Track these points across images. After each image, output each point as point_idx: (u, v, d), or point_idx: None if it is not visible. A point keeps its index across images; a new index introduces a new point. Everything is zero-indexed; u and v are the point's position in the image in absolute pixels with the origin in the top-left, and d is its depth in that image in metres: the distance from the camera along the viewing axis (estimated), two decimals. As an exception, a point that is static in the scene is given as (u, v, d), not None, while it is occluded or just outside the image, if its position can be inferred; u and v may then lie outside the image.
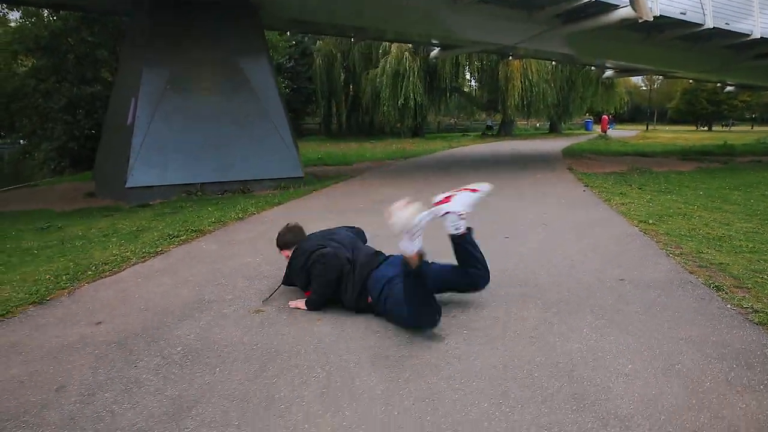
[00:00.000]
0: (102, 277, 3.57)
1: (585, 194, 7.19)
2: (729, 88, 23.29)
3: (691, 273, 3.41)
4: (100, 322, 2.73)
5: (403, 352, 2.28)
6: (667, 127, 53.79)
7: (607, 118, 29.90)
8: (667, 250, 4.03)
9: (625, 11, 9.43)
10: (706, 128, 51.25)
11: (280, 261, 3.77)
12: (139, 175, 7.93)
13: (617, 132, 38.39)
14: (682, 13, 10.38)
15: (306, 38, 31.93)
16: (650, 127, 47.85)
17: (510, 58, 23.87)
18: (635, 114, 59.48)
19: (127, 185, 7.84)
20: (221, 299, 3.04)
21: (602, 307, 2.80)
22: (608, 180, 8.93)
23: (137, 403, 1.90)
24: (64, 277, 3.53)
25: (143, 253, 4.15)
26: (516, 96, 26.61)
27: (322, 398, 1.91)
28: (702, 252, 3.96)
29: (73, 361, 2.27)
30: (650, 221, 5.15)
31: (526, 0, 9.61)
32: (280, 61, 29.17)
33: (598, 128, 35.71)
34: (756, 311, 2.70)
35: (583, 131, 39.41)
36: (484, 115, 39.97)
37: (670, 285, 3.17)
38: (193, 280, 3.43)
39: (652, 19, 9.32)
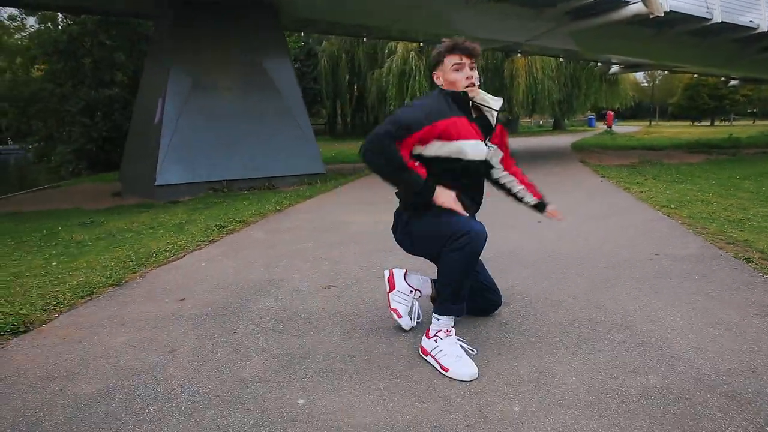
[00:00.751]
0: (167, 263, 3.80)
1: (603, 184, 7.43)
2: (733, 82, 23.59)
3: (720, 249, 3.64)
4: (183, 299, 2.96)
5: (472, 319, 2.51)
6: (669, 123, 54.01)
7: (612, 114, 30.10)
8: (693, 230, 4.25)
9: (636, 7, 9.67)
10: (708, 123, 51.36)
11: (333, 247, 4.02)
12: (167, 173, 8.18)
13: (620, 128, 38.62)
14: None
15: (311, 39, 32.19)
16: (653, 123, 47.97)
17: (519, 55, 24.09)
18: (637, 110, 59.64)
19: (157, 183, 8.10)
20: (290, 278, 3.27)
21: (644, 277, 3.03)
22: (622, 171, 9.16)
23: (249, 360, 2.13)
24: (130, 263, 3.77)
25: (197, 241, 4.39)
26: (521, 93, 26.88)
27: (416, 351, 2.15)
28: (727, 231, 4.18)
29: (173, 329, 2.51)
30: (672, 206, 5.38)
31: (537, -2, 9.84)
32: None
33: (600, 124, 35.97)
34: (787, 278, 2.94)
35: (586, 128, 39.65)
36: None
37: (703, 258, 3.39)
38: (255, 263, 3.66)
39: (663, 15, 9.54)
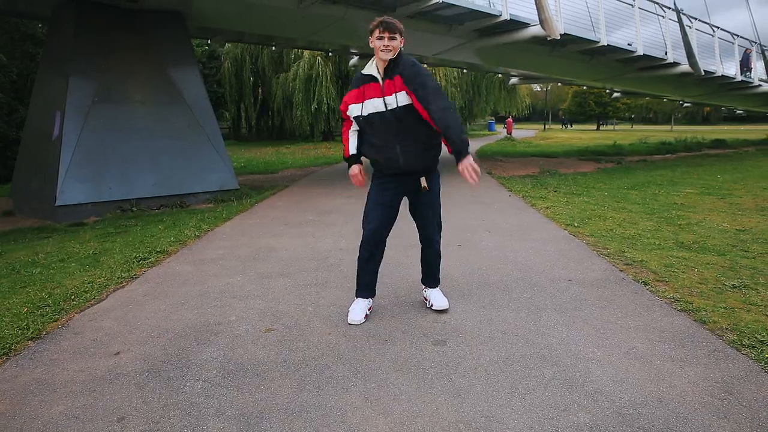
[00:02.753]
0: (88, 306, 3.61)
1: (511, 199, 7.95)
2: (616, 94, 25.95)
3: (621, 271, 4.10)
4: (118, 353, 2.85)
5: (418, 357, 2.67)
6: (561, 126, 58.25)
7: (511, 120, 31.97)
8: (597, 251, 4.73)
9: (535, 29, 10.41)
10: (595, 128, 55.95)
11: (263, 281, 4.02)
12: (69, 192, 7.63)
13: (518, 131, 41.01)
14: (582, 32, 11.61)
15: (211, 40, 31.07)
16: (547, 127, 51.47)
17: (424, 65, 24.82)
18: (531, 114, 63.69)
19: (57, 203, 7.52)
20: (226, 320, 3.25)
21: (562, 306, 3.35)
22: (526, 184, 9.84)
23: (205, 425, 2.13)
24: (47, 309, 3.53)
25: (117, 278, 4.19)
26: (427, 100, 27.65)
27: (368, 402, 2.26)
28: (624, 251, 4.70)
29: (115, 392, 2.42)
30: (575, 224, 5.91)
31: (449, 17, 10.26)
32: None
33: (500, 128, 38.05)
34: (677, 300, 3.39)
35: (487, 132, 41.73)
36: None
37: (608, 283, 3.81)
38: (186, 303, 3.58)
39: (559, 37, 10.36)
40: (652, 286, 3.71)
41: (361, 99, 2.99)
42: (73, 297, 3.77)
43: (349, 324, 3.12)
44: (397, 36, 2.88)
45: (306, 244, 5.30)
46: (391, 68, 2.91)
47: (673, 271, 4.08)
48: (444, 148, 3.07)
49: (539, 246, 4.98)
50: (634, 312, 3.22)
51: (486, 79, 31.17)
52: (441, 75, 27.87)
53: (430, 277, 3.40)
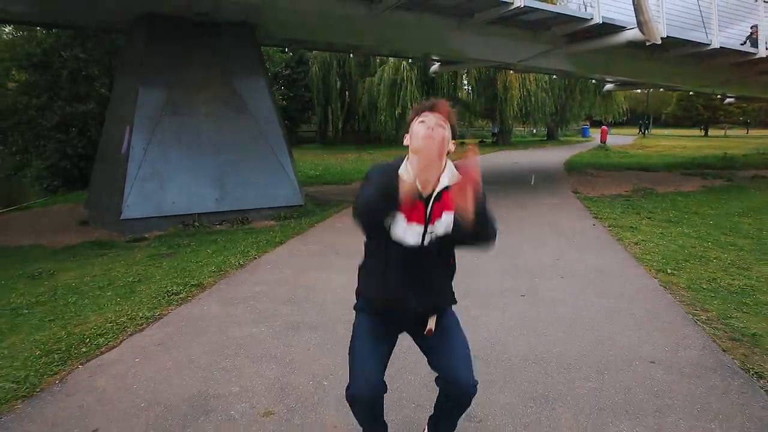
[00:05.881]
0: (97, 354, 3.34)
1: (595, 229, 7.00)
2: (729, 99, 23.26)
3: (725, 351, 3.21)
4: (96, 430, 2.50)
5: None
6: (667, 131, 53.89)
7: (606, 129, 29.86)
8: (693, 314, 3.83)
9: (632, 33, 9.29)
10: (702, 133, 51.24)
11: (287, 335, 3.56)
12: (134, 207, 7.70)
13: (614, 138, 38.35)
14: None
15: (302, 45, 31.70)
16: (647, 132, 47.85)
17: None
18: (631, 117, 59.59)
19: (123, 217, 7.61)
20: (228, 393, 2.81)
21: (637, 407, 2.59)
22: (615, 207, 8.78)
23: None
24: (54, 357, 3.30)
25: (141, 318, 3.92)
26: (514, 105, 26.48)
27: None
28: (730, 316, 3.78)
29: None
30: (668, 270, 4.97)
31: (534, 22, 9.41)
32: (277, 69, 29.00)
33: (595, 133, 35.69)
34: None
35: (580, 138, 39.40)
36: (482, 122, 39.82)
37: (704, 370, 2.97)
38: (195, 362, 3.20)
39: (660, 42, 9.16)
40: (766, 381, 2.83)
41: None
42: (87, 341, 3.53)
43: None
44: (444, 125, 1.86)
45: (350, 282, 4.79)
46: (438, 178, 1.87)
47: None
48: None
49: (621, 303, 4.14)
50: (737, 425, 2.41)
51: (580, 83, 29.26)
52: (531, 79, 26.58)
53: (444, 421, 2.15)
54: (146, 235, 7.49)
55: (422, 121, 1.85)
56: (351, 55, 20.38)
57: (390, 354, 2.04)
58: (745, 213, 8.54)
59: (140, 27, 8.41)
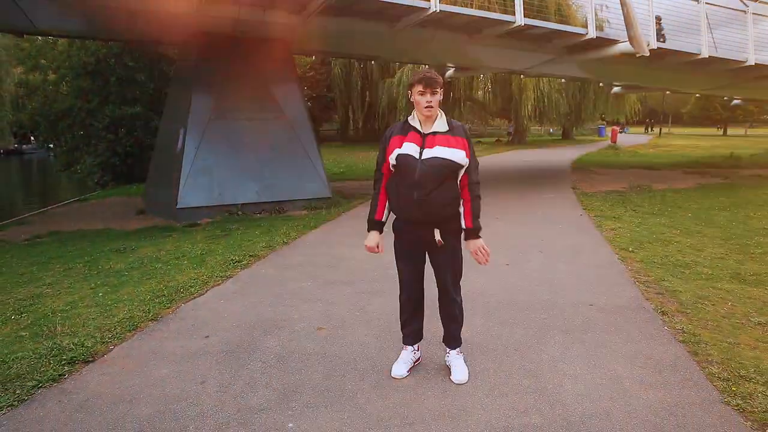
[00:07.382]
0: (193, 298, 4.66)
1: (581, 219, 8.17)
2: (736, 101, 23.98)
3: (647, 300, 4.41)
4: (208, 336, 3.81)
5: (426, 362, 3.33)
6: (686, 131, 54.04)
7: (616, 129, 30.66)
8: (635, 278, 5.02)
9: (623, 46, 10.39)
10: (721, 132, 51.31)
11: (327, 287, 4.85)
12: (188, 197, 9.08)
13: (630, 137, 38.97)
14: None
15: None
16: (663, 131, 48.16)
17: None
18: (651, 116, 59.83)
19: (178, 206, 9.00)
20: (290, 318, 4.11)
21: (571, 328, 3.82)
22: (607, 201, 9.88)
23: (257, 392, 2.97)
24: (163, 298, 4.62)
25: (217, 276, 5.25)
26: (529, 106, 27.54)
27: (376, 388, 2.97)
28: (664, 279, 4.95)
29: (202, 363, 3.35)
30: (630, 249, 6.13)
31: (537, 36, 10.57)
32: (301, 72, 30.45)
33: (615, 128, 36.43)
34: (684, 332, 3.70)
35: (596, 137, 40.09)
36: (497, 121, 40.84)
37: (627, 310, 4.18)
38: (264, 302, 4.51)
39: (648, 54, 10.24)
40: (668, 316, 4.02)
41: (399, 145, 2.93)
42: (182, 290, 4.85)
43: (392, 377, 3.16)
44: (438, 90, 2.82)
45: (371, 255, 6.07)
46: (433, 123, 2.88)
47: (701, 304, 4.31)
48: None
49: (582, 270, 5.35)
50: (633, 339, 3.62)
51: (593, 84, 30.15)
52: (546, 80, 27.59)
53: (448, 336, 3.20)
54: (199, 222, 8.87)
55: (421, 92, 2.78)
56: (372, 62, 21.59)
57: (423, 266, 3.12)
58: (725, 207, 9.47)
59: (192, 43, 9.80)
